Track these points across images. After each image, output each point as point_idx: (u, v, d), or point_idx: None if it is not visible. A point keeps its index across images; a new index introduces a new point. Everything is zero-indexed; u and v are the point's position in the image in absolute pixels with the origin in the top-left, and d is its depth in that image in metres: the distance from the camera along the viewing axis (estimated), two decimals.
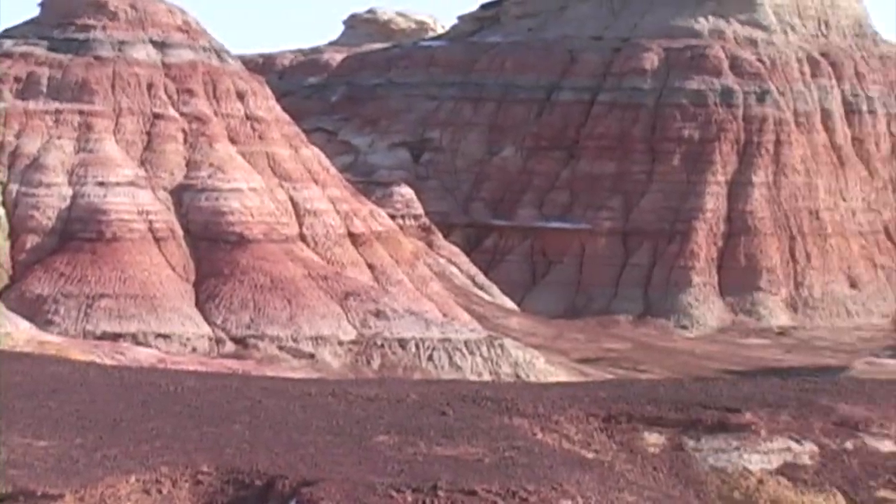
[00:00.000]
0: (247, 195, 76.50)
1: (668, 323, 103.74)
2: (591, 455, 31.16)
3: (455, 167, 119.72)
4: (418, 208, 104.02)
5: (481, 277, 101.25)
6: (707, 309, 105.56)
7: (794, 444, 32.52)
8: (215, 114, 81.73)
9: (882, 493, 31.26)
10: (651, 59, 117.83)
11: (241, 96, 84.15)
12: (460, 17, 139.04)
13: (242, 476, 26.32)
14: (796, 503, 30.32)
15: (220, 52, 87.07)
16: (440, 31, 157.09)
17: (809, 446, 32.67)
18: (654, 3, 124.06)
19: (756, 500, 30.46)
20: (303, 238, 78.37)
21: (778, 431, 32.96)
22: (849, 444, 33.16)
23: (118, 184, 75.26)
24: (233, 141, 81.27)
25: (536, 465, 28.01)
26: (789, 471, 31.56)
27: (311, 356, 67.06)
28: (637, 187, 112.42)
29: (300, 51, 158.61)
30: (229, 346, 68.80)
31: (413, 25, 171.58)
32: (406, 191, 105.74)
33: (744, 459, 31.67)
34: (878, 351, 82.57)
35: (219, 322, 70.70)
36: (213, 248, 74.58)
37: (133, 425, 29.40)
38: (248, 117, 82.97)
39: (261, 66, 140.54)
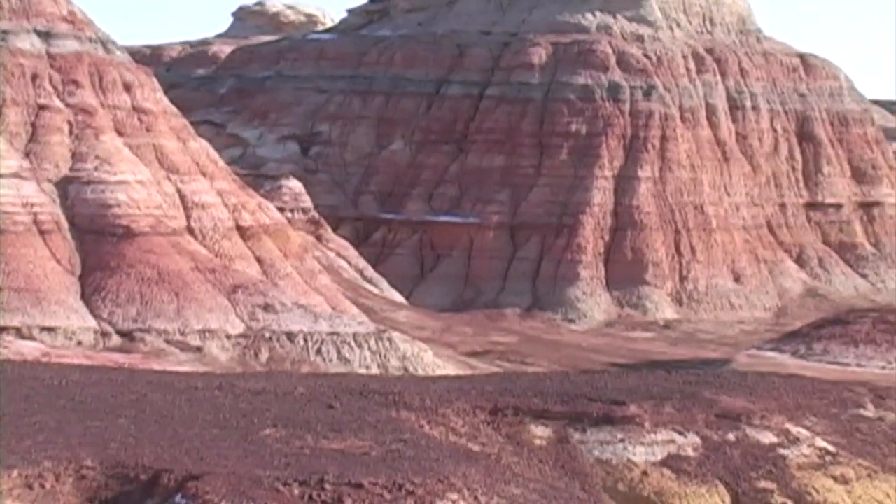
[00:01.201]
0: (133, 188, 75.73)
1: (555, 316, 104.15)
2: (477, 448, 31.22)
3: (344, 160, 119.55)
4: (307, 202, 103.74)
5: (370, 271, 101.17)
6: (594, 302, 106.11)
7: (677, 437, 32.81)
8: (102, 105, 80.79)
9: (763, 483, 31.60)
10: (539, 55, 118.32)
11: (127, 88, 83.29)
12: (350, 11, 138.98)
13: (127, 470, 26.10)
14: (679, 494, 30.56)
15: (106, 44, 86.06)
16: (329, 24, 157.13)
17: (692, 438, 32.97)
18: None
19: (640, 491, 30.68)
20: (190, 231, 77.77)
21: (662, 424, 33.25)
22: (731, 436, 33.53)
23: (2, 175, 74.21)
24: (119, 133, 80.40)
25: (423, 458, 28.03)
26: (673, 462, 31.81)
27: (199, 350, 66.63)
28: (525, 181, 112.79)
29: (188, 43, 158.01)
30: (115, 340, 68.10)
31: (302, 18, 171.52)
32: (295, 184, 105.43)
33: (628, 451, 31.89)
34: (760, 344, 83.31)
35: (105, 315, 69.93)
36: (99, 240, 73.71)
37: (16, 420, 29.05)
38: (135, 109, 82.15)
39: (148, 57, 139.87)
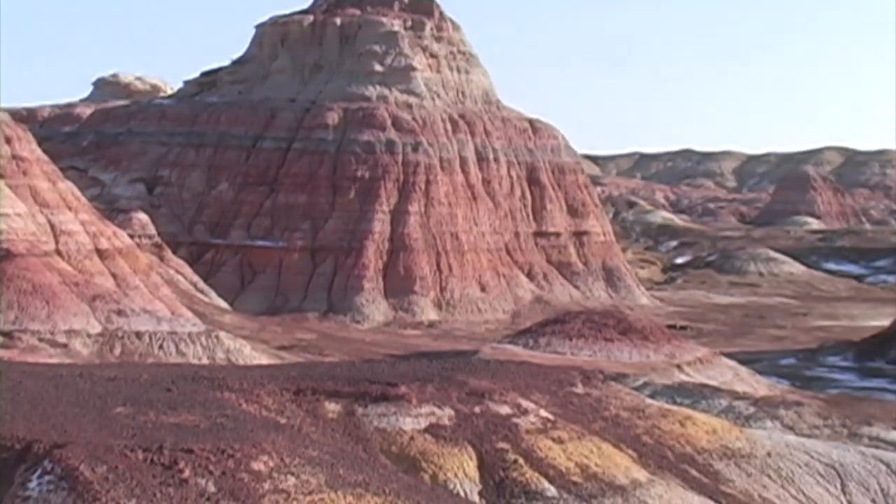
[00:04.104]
0: (13, 219, 73.56)
1: (345, 318, 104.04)
2: (283, 420, 31.04)
3: (181, 198, 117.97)
4: (152, 230, 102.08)
5: (202, 284, 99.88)
6: (375, 308, 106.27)
7: (437, 410, 32.99)
8: None
9: (500, 444, 31.93)
10: (333, 117, 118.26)
11: (8, 140, 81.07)
12: (186, 82, 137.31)
13: (4, 441, 25.37)
14: (438, 454, 30.72)
15: None
16: (170, 91, 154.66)
17: (448, 411, 33.19)
18: (334, 74, 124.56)
19: (408, 452, 30.78)
20: (59, 253, 75.86)
21: (425, 400, 33.40)
22: (477, 409, 33.82)
23: None
24: (1, 176, 78.23)
25: (241, 429, 27.76)
26: (433, 430, 31.99)
27: (65, 346, 64.83)
28: (322, 214, 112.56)
29: (57, 105, 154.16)
30: None
31: (148, 87, 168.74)
32: (142, 216, 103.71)
33: (400, 422, 31.98)
34: (500, 339, 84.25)
35: None
36: None
37: None
38: (14, 157, 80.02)
39: (25, 116, 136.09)
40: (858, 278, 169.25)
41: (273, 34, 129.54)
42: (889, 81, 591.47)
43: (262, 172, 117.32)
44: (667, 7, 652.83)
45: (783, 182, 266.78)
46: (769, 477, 35.40)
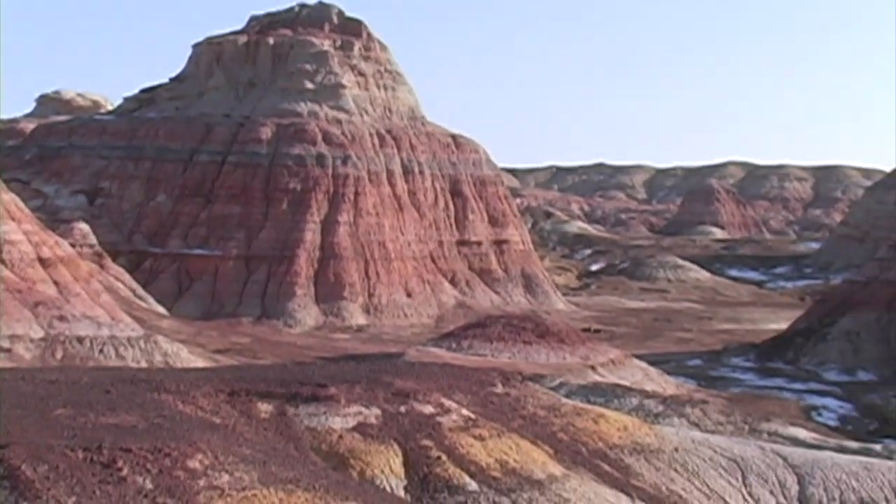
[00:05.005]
0: None
1: (278, 323, 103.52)
2: (218, 420, 30.82)
3: (121, 209, 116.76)
4: (93, 239, 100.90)
5: (140, 291, 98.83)
6: (306, 313, 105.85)
7: (364, 409, 32.92)
8: None
9: (424, 442, 31.94)
10: (266, 132, 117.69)
11: None
12: (126, 98, 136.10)
13: None
14: (365, 451, 30.66)
15: None
16: (110, 107, 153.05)
17: (375, 410, 33.12)
18: (268, 91, 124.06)
19: (337, 449, 30.70)
20: (2, 261, 74.72)
21: (353, 400, 33.32)
22: (402, 409, 33.79)
23: None
24: None
25: (177, 429, 27.54)
26: (361, 428, 31.92)
27: (9, 350, 63.87)
28: (256, 224, 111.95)
29: (1, 121, 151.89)
30: None
31: (90, 103, 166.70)
32: (83, 226, 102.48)
33: (329, 421, 31.87)
34: (425, 342, 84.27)
35: None
36: None
37: None
38: None
39: None
40: (759, 284, 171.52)
41: (209, 53, 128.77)
42: (786, 99, 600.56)
43: (199, 184, 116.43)
44: (579, 28, 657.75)
45: (690, 194, 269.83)
46: (676, 471, 35.75)
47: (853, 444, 48.19)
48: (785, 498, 35.51)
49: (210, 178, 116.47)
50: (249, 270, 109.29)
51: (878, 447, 46.79)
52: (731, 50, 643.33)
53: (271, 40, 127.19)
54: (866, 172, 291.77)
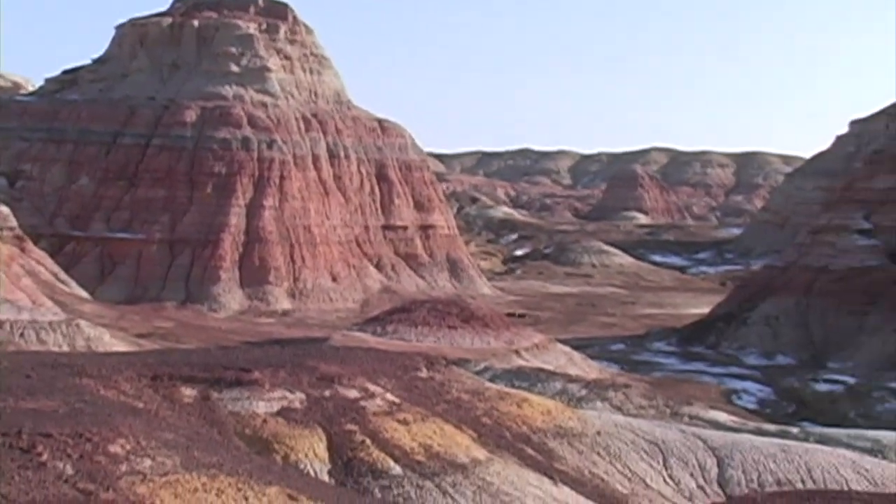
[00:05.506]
0: None
1: (202, 307, 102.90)
2: (140, 405, 30.53)
3: (43, 192, 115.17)
4: (14, 222, 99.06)
5: (63, 275, 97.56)
6: (231, 297, 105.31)
7: (288, 394, 32.78)
8: None
9: (349, 426, 31.83)
10: (191, 115, 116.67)
11: None
12: (47, 79, 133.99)
13: None
14: (290, 436, 30.54)
15: None
16: (31, 89, 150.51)
17: (300, 395, 33.00)
18: (192, 74, 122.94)
19: (261, 434, 30.55)
20: None
21: (277, 385, 33.16)
22: (327, 393, 33.69)
23: None
24: None
25: (99, 414, 27.24)
26: (285, 413, 31.77)
27: None
28: (181, 208, 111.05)
29: None
30: None
31: (10, 84, 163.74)
32: (4, 209, 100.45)
33: (253, 405, 31.68)
34: (350, 326, 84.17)
35: None
36: None
37: None
38: None
39: None
40: (681, 269, 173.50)
41: (132, 34, 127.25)
42: (708, 87, 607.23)
43: (122, 167, 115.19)
44: (504, 13, 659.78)
45: (614, 180, 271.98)
46: (598, 454, 36.05)
47: (771, 427, 48.92)
48: (705, 480, 35.97)
49: (134, 161, 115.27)
50: (173, 254, 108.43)
51: (795, 430, 47.55)
52: (654, 37, 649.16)
53: (196, 22, 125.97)
54: (786, 159, 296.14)
